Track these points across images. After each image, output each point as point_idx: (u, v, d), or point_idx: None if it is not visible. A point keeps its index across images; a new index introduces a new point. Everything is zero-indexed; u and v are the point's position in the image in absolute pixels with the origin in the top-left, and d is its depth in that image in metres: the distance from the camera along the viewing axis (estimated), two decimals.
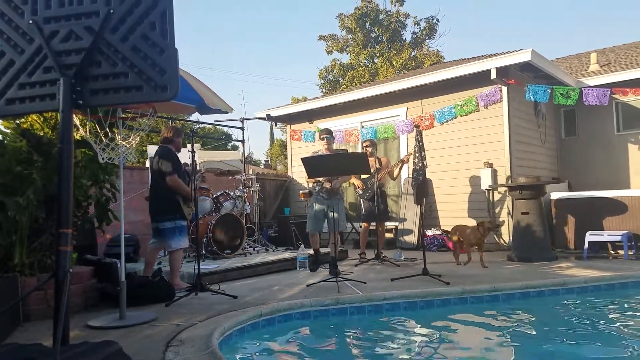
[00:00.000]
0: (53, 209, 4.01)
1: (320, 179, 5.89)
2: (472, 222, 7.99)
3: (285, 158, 15.57)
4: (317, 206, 5.79)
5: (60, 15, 2.39)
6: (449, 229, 8.61)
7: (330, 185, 5.80)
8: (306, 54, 65.25)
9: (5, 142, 4.12)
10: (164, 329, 3.47)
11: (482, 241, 6.40)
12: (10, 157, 3.92)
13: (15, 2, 2.38)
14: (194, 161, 4.95)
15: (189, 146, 5.10)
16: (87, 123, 3.69)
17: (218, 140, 22.27)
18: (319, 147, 6.18)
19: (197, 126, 21.10)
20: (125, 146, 3.68)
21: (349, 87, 22.46)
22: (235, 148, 22.62)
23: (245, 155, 10.53)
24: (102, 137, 3.61)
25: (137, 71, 2.31)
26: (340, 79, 25.85)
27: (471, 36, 53.53)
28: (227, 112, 5.28)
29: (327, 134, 6.10)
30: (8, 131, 4.17)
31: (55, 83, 2.34)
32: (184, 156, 8.14)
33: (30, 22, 2.38)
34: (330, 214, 5.58)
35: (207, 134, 22.89)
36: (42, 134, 4.28)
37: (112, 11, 2.34)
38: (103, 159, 3.55)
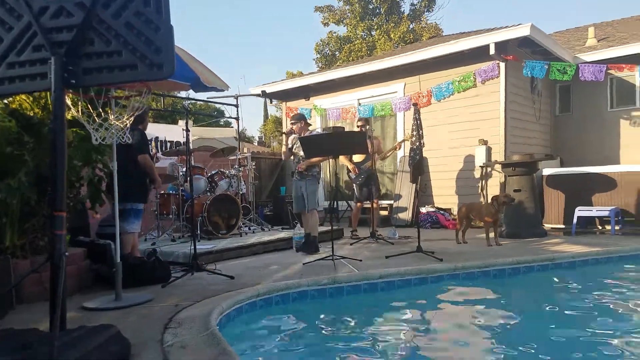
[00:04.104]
0: (45, 191, 3.93)
1: (293, 159, 6.21)
2: (463, 199, 8.03)
3: (280, 134, 15.43)
4: (295, 186, 6.11)
5: None
6: (444, 207, 8.68)
7: (300, 167, 5.95)
8: (302, 27, 64.28)
9: None
10: (161, 310, 3.45)
11: (498, 217, 6.27)
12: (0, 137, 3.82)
13: None
14: (188, 139, 4.86)
15: (182, 123, 4.98)
16: (79, 102, 3.59)
17: (210, 117, 21.98)
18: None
19: (188, 102, 20.80)
20: (119, 126, 3.59)
21: (346, 61, 22.18)
22: (228, 124, 22.40)
23: (239, 132, 10.40)
24: (95, 117, 3.51)
25: (131, 49, 2.24)
26: (336, 52, 25.49)
27: (470, 9, 52.92)
28: (223, 90, 5.17)
29: (297, 120, 6.17)
30: None
31: (46, 62, 2.25)
32: (177, 134, 8.04)
33: None
34: (303, 194, 5.92)
35: (198, 110, 22.59)
36: (31, 114, 4.17)
37: None
38: (96, 139, 3.46)
